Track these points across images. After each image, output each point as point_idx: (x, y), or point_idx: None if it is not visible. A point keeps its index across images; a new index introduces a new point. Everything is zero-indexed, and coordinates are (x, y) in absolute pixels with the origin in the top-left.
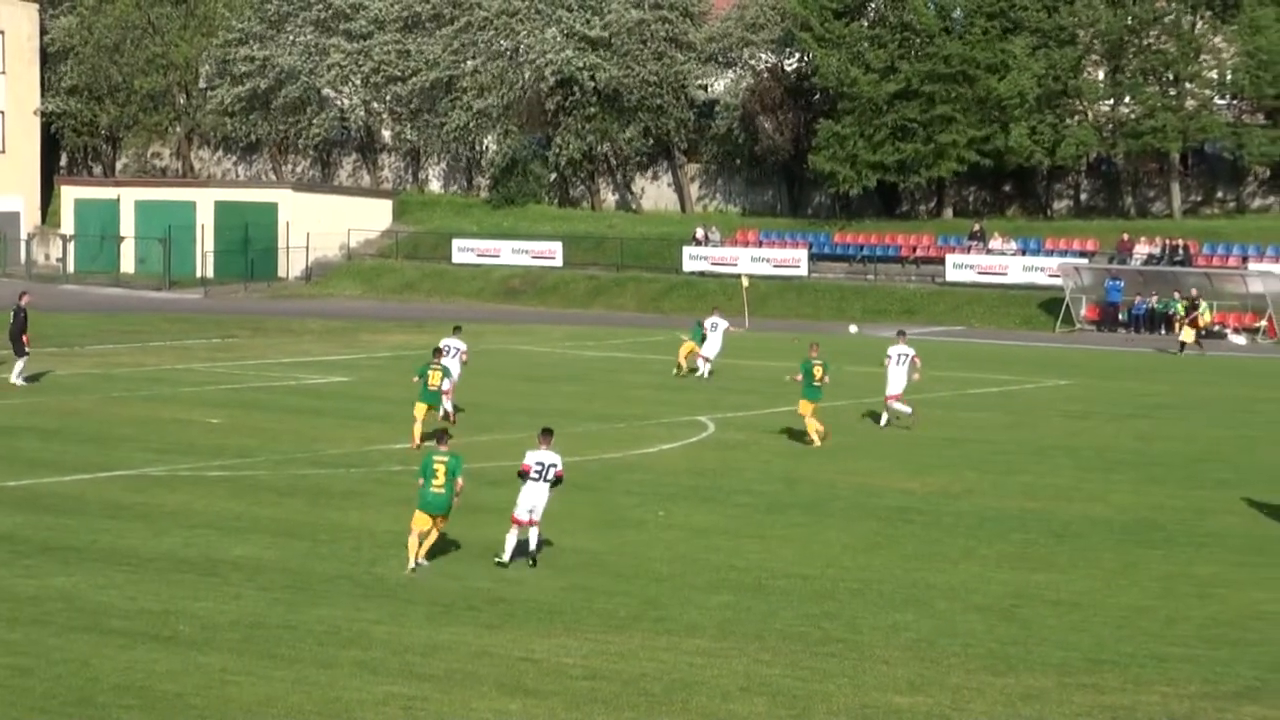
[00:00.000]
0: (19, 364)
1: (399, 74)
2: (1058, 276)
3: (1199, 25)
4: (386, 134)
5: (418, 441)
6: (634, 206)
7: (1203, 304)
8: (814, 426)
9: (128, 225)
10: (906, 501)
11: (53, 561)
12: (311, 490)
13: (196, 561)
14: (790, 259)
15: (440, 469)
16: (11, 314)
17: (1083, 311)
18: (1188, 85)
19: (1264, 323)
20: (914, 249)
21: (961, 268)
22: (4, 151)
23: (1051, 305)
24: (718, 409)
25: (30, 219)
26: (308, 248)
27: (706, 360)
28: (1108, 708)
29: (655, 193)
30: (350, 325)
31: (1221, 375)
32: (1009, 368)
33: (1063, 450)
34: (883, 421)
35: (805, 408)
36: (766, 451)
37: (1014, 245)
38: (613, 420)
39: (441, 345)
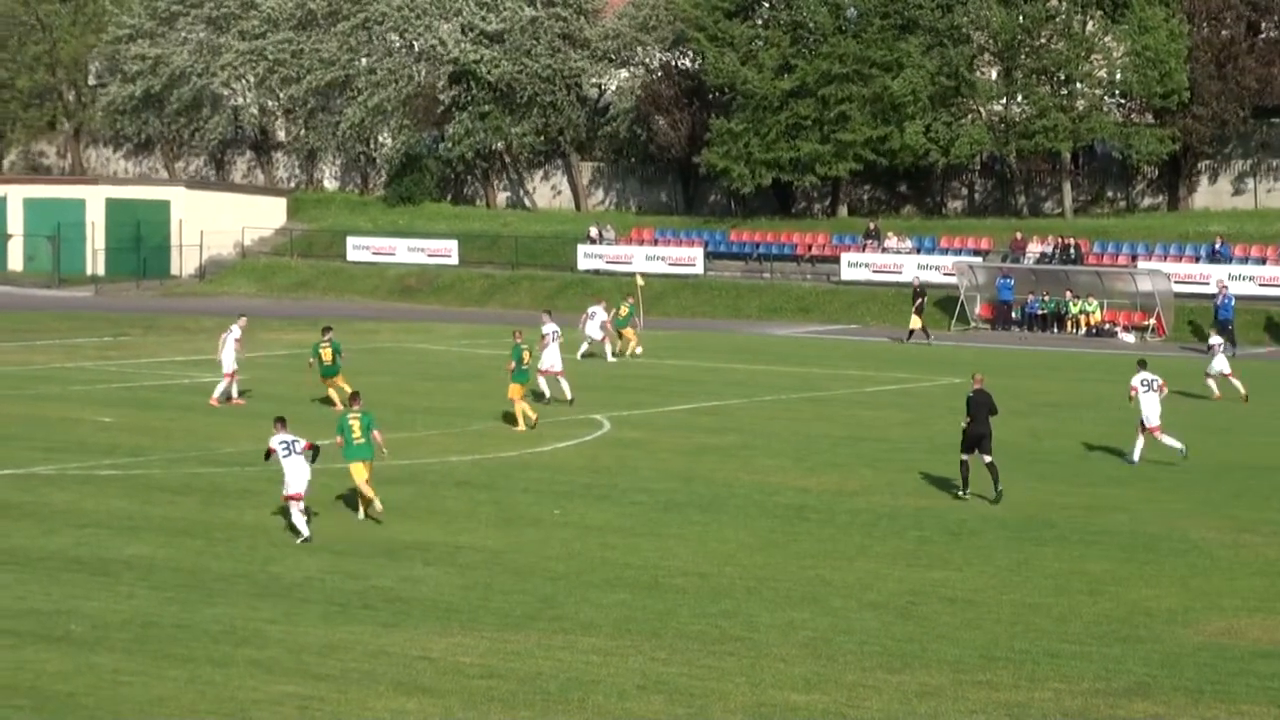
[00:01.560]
0: None
1: (293, 73)
2: (952, 275)
3: (1090, 25)
4: (281, 132)
5: (339, 407)
6: (528, 205)
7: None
8: (523, 409)
9: (15, 223)
10: (803, 500)
11: None
12: (205, 489)
13: (88, 561)
14: (686, 257)
15: (356, 424)
16: None
17: (977, 310)
18: (1079, 85)
19: (1152, 320)
20: (809, 248)
21: (857, 266)
22: None
23: (946, 304)
24: (613, 407)
25: None
26: (201, 246)
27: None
28: (1002, 704)
29: (549, 191)
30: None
31: (1112, 373)
32: (904, 366)
33: (957, 448)
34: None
35: (515, 391)
36: (662, 450)
37: (909, 244)
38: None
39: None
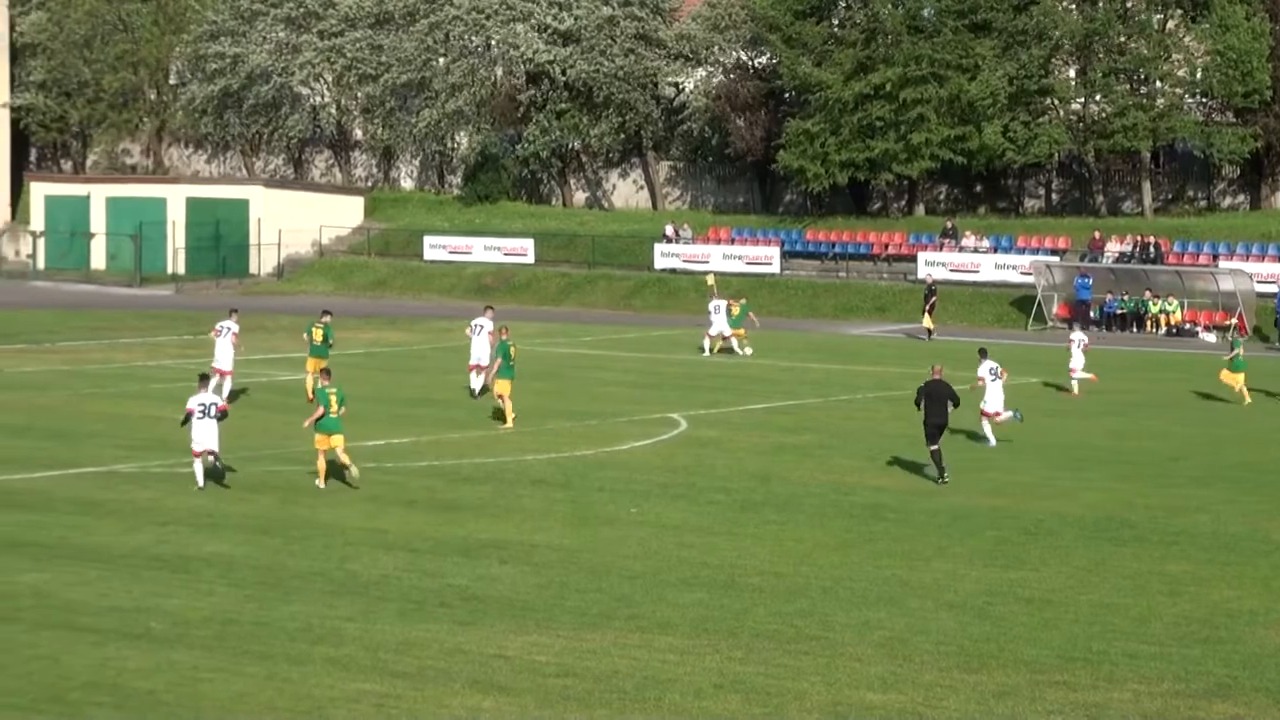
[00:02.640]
0: None
1: (371, 71)
2: (1029, 274)
3: (1169, 25)
4: (358, 131)
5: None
6: (605, 204)
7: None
8: (509, 406)
9: (98, 222)
10: (879, 499)
11: (23, 558)
12: (283, 487)
13: (168, 558)
14: (762, 256)
15: (334, 398)
16: None
17: (1054, 309)
18: (1158, 84)
19: (1234, 320)
20: (886, 247)
21: (933, 265)
22: None
23: (1023, 303)
24: (690, 406)
25: (0, 216)
26: (279, 244)
27: None
28: (1080, 705)
29: (626, 190)
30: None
31: (1194, 373)
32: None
33: (1034, 448)
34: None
35: (503, 387)
36: (739, 449)
37: (986, 243)
38: (585, 417)
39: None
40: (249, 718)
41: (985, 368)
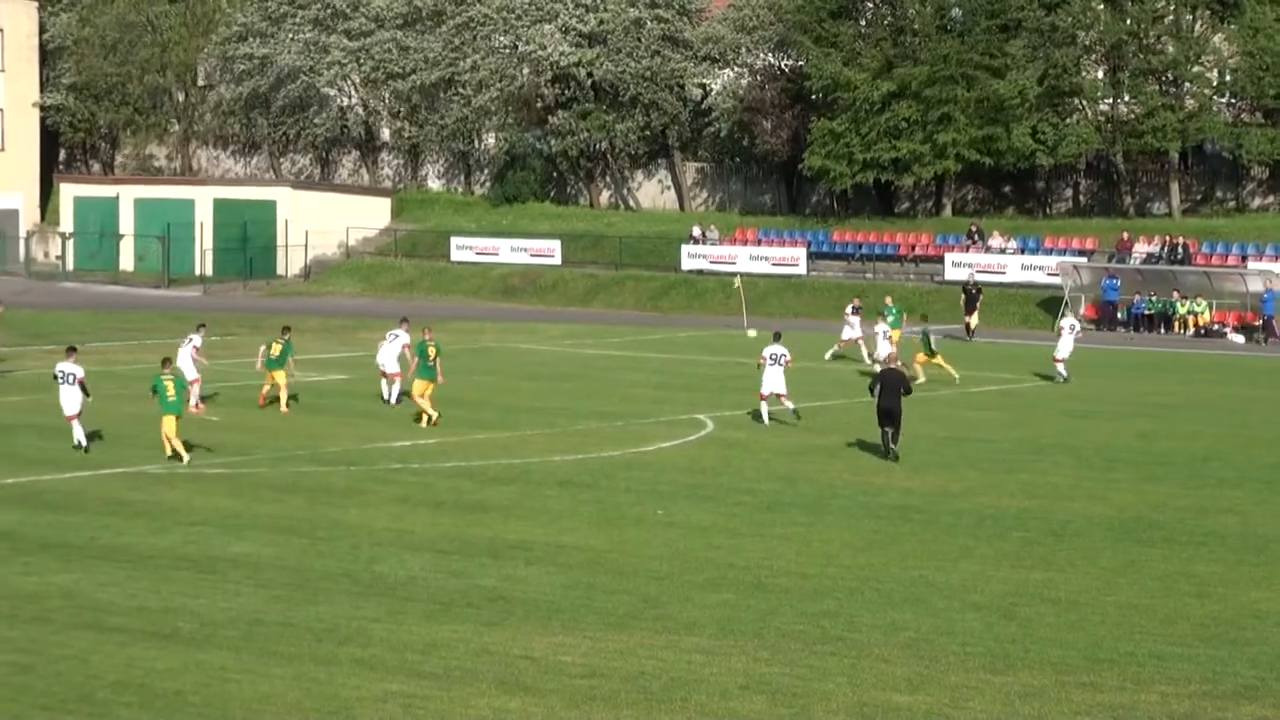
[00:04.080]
0: None
1: (398, 71)
2: (1056, 275)
3: (1198, 26)
4: (386, 132)
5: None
6: (632, 204)
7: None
8: (428, 406)
9: (127, 223)
10: (906, 500)
11: (52, 558)
12: (310, 488)
13: (196, 559)
14: (789, 257)
15: (170, 384)
16: None
17: (1082, 310)
18: (1187, 85)
19: (1262, 321)
20: (912, 247)
21: (960, 266)
22: (3, 149)
23: (1050, 304)
24: (717, 407)
25: (29, 216)
26: (306, 245)
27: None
28: (1107, 706)
29: (652, 191)
30: (349, 323)
31: (1223, 374)
32: (1008, 366)
33: (1062, 449)
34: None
35: (421, 387)
36: (766, 450)
37: (1013, 244)
38: (612, 418)
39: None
40: (276, 718)
41: (769, 351)
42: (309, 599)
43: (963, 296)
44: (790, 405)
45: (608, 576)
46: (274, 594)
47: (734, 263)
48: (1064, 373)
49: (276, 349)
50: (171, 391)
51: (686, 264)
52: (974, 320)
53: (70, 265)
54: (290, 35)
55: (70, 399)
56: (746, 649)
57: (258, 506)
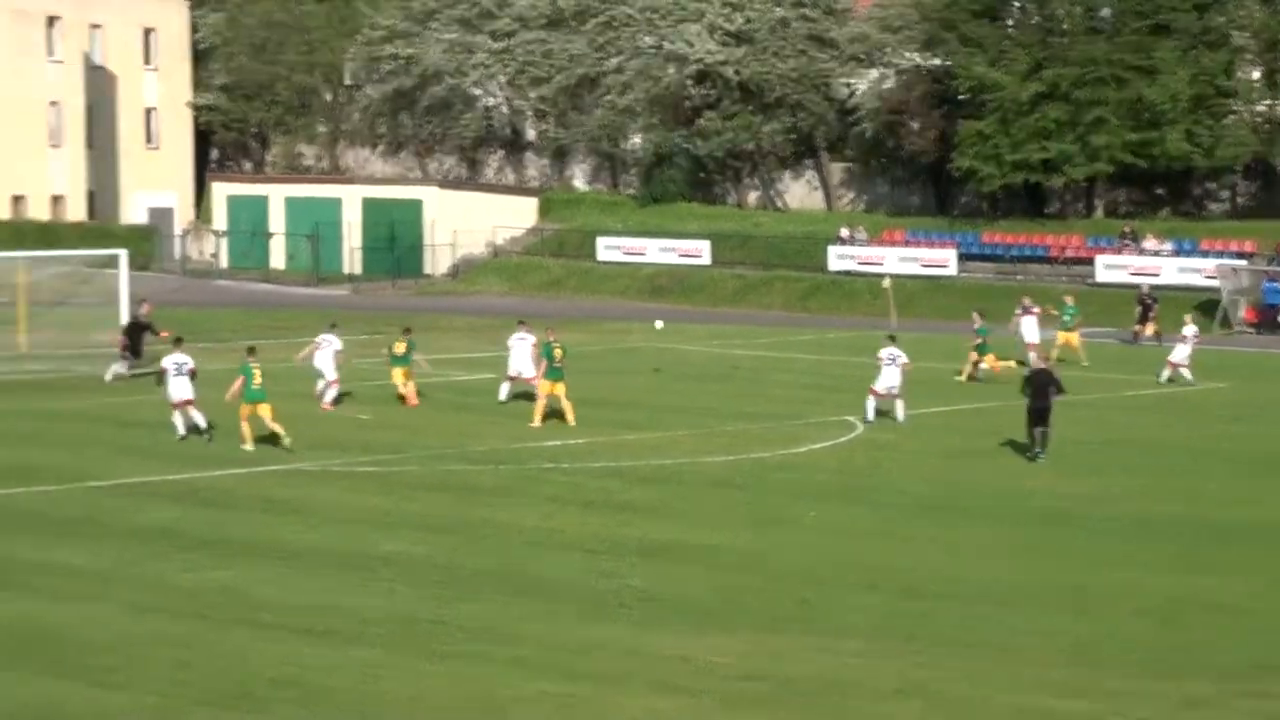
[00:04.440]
0: (121, 365)
1: (543, 73)
2: (1214, 278)
3: None
4: (532, 132)
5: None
6: (779, 205)
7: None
8: (542, 407)
9: (277, 221)
10: (1059, 504)
11: (210, 555)
12: (460, 486)
13: (349, 556)
14: (938, 259)
15: (257, 372)
16: (130, 320)
17: (1241, 314)
18: None
19: None
20: (1063, 249)
21: (1113, 269)
22: (157, 148)
23: (1208, 307)
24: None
25: (184, 215)
26: (454, 245)
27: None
28: (1273, 715)
29: (800, 191)
30: (496, 322)
31: None
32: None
33: (1220, 454)
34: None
35: (547, 388)
36: (917, 452)
37: (1168, 246)
38: (761, 419)
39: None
40: (429, 716)
41: (885, 352)
42: (461, 597)
43: (1138, 308)
44: (901, 410)
45: (760, 578)
46: (426, 592)
47: (882, 264)
48: (1188, 376)
49: (400, 347)
50: (258, 379)
51: (834, 265)
52: (1148, 330)
53: (224, 263)
54: (436, 35)
55: (180, 387)
56: (900, 653)
57: (408, 505)
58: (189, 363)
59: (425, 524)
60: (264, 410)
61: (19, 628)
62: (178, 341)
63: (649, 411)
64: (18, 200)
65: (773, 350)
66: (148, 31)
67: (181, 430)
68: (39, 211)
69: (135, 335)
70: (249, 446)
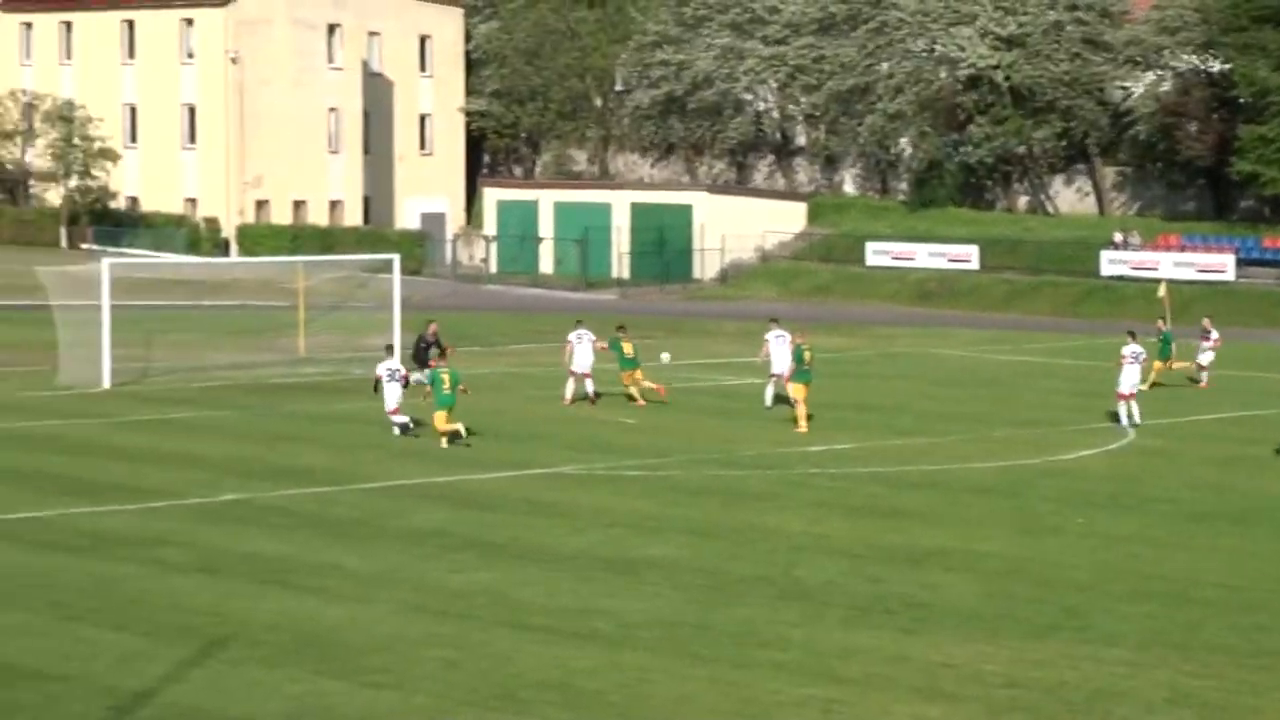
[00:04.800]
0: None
1: (813, 82)
2: None
3: None
4: (801, 137)
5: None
6: (1049, 209)
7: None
8: (803, 411)
9: (546, 227)
10: None
11: (477, 557)
12: (726, 491)
13: (613, 560)
14: (1215, 264)
15: (447, 378)
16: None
17: None
18: None
19: None
20: None
21: None
22: (431, 154)
23: None
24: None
25: (455, 220)
26: (722, 249)
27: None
28: None
29: (1070, 196)
30: (765, 327)
31: None
32: None
33: None
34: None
35: (798, 391)
36: (1190, 459)
37: None
38: (1030, 425)
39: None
40: None
41: (1128, 350)
42: (726, 602)
43: None
44: (1136, 411)
45: (1028, 585)
46: (691, 596)
47: (1156, 269)
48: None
49: (629, 348)
50: (447, 385)
51: (1106, 269)
52: None
53: (493, 268)
54: (706, 41)
55: (394, 394)
56: (1171, 662)
57: (673, 509)
58: (400, 369)
59: (690, 528)
60: (439, 417)
61: (292, 627)
62: (389, 349)
63: (916, 417)
64: (298, 205)
65: (1041, 356)
66: (423, 39)
67: (399, 433)
68: (318, 216)
69: (423, 353)
70: (466, 438)
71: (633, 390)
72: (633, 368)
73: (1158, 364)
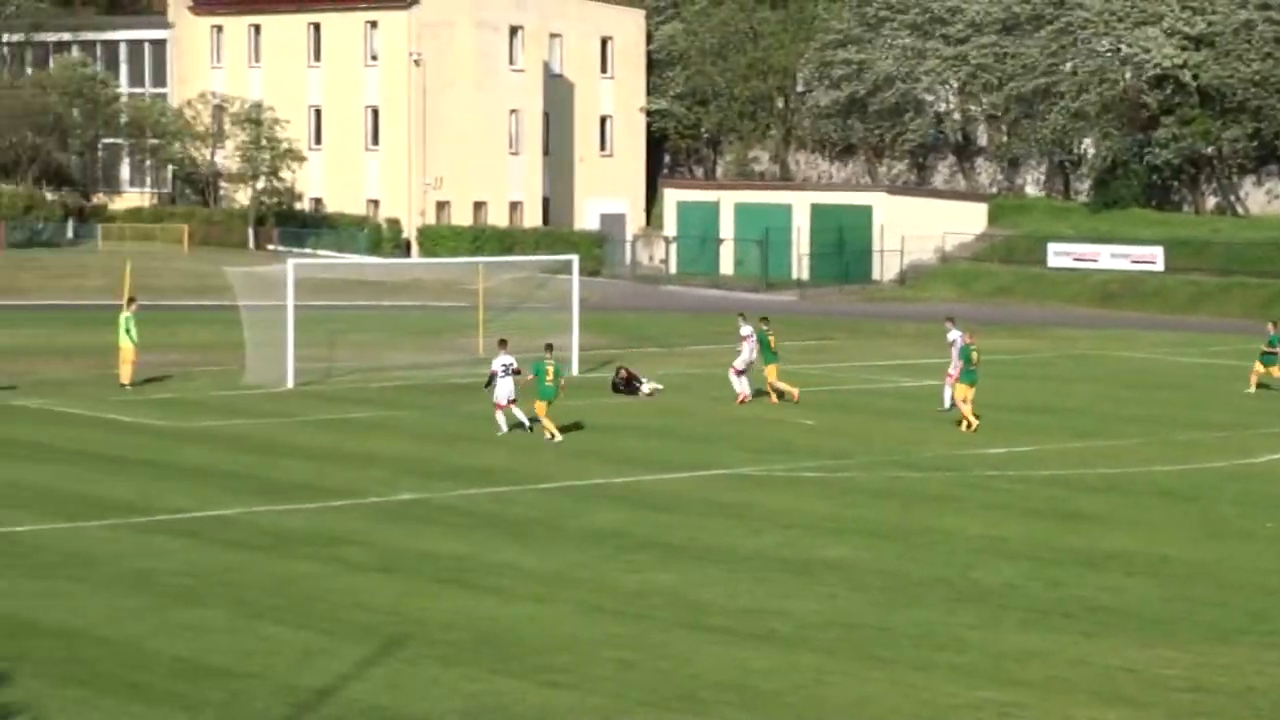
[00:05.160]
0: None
1: (994, 81)
2: None
3: None
4: (983, 138)
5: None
6: (1239, 210)
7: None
8: (969, 410)
9: (726, 227)
10: None
11: (655, 557)
12: (905, 493)
13: (791, 561)
14: None
15: (550, 370)
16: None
17: None
18: None
19: None
20: None
21: None
22: (611, 155)
23: None
24: None
25: (635, 221)
26: (902, 251)
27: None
28: None
29: (1260, 197)
30: (943, 329)
31: None
32: None
33: None
34: None
35: (964, 392)
36: None
37: None
38: (1215, 428)
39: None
40: None
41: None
42: (904, 604)
43: None
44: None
45: (1211, 589)
46: (869, 598)
47: None
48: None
49: (772, 340)
50: (550, 377)
51: None
52: None
53: (673, 269)
54: (888, 41)
55: (506, 388)
56: None
57: (852, 510)
58: (513, 364)
59: (868, 530)
60: (539, 408)
61: (470, 626)
62: (502, 344)
63: (1097, 419)
64: (479, 206)
65: (1228, 359)
66: (605, 40)
67: (504, 428)
68: (498, 217)
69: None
70: (558, 438)
71: (779, 385)
72: (773, 361)
73: (1259, 367)
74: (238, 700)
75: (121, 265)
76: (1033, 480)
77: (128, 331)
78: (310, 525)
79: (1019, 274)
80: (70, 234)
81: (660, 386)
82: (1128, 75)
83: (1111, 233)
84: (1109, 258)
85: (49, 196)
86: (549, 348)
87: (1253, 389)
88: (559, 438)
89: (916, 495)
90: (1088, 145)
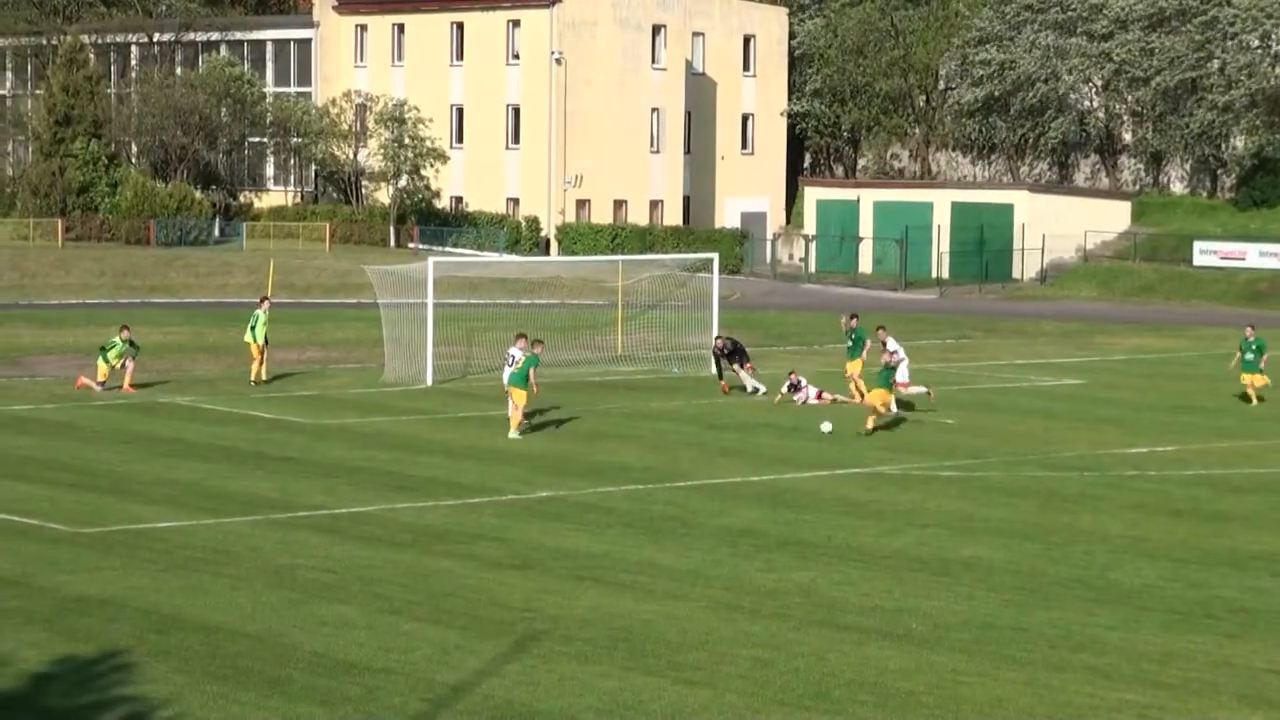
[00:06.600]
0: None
1: (1140, 75)
2: None
3: None
4: (1127, 135)
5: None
6: None
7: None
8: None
9: (866, 226)
10: None
11: (791, 556)
12: (1043, 492)
13: (928, 560)
14: None
15: (521, 359)
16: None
17: None
18: None
19: None
20: None
21: None
22: (752, 153)
23: None
24: None
25: (775, 219)
26: (1043, 249)
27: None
28: None
29: None
30: (1085, 327)
31: None
32: None
33: None
34: None
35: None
36: None
37: None
38: None
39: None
40: None
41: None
42: (1041, 604)
43: None
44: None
45: None
46: (1006, 598)
47: None
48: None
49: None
50: (518, 365)
51: None
52: None
53: (812, 267)
54: (1029, 39)
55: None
56: None
57: (989, 510)
58: (518, 356)
59: (1006, 530)
60: (518, 396)
61: (605, 623)
62: (523, 338)
63: (1243, 419)
64: (619, 204)
65: None
66: (747, 39)
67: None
68: (638, 216)
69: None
70: (513, 434)
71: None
72: (853, 357)
73: None
74: (374, 696)
75: (265, 264)
76: (1175, 480)
77: (253, 329)
78: (447, 522)
79: (1163, 272)
80: (217, 232)
81: (763, 388)
82: (1278, 71)
83: (1260, 231)
84: (1257, 256)
85: (197, 195)
86: (520, 336)
87: (1254, 401)
88: (514, 434)
89: (1055, 495)
90: (1235, 142)
